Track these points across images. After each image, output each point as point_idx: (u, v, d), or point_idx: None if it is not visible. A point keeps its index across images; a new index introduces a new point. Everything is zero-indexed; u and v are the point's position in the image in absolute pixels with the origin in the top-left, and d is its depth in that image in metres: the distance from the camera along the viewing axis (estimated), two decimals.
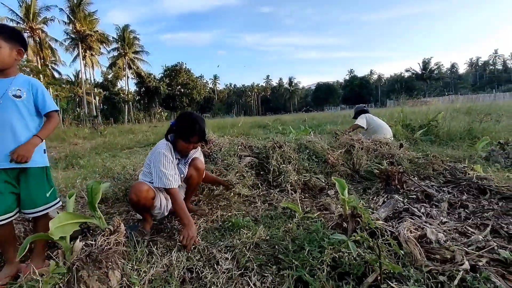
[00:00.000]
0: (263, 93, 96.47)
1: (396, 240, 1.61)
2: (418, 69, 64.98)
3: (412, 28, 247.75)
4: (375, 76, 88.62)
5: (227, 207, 2.65)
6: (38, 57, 32.63)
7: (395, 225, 1.91)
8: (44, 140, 1.70)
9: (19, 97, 1.56)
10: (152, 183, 2.10)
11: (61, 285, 1.39)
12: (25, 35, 31.60)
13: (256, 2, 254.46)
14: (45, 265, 1.70)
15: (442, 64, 68.16)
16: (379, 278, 1.35)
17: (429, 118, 6.24)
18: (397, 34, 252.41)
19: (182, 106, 49.08)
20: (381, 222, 1.89)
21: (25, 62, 25.99)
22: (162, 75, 52.23)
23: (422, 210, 2.24)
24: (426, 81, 61.03)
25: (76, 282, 1.37)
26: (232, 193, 2.87)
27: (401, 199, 2.44)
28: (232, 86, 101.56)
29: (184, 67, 52.75)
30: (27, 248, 1.50)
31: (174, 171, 2.10)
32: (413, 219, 2.02)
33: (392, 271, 1.38)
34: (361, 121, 5.09)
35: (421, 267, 1.45)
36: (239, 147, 3.56)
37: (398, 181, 2.75)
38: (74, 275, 1.38)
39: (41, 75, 25.37)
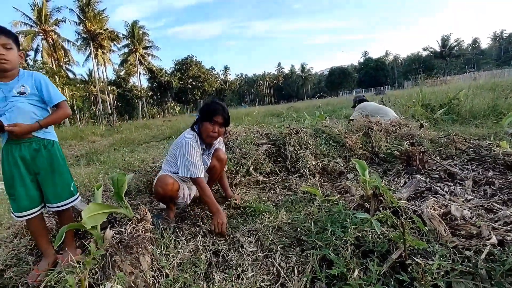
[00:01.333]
0: (275, 81, 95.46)
1: (420, 218, 1.60)
2: (436, 47, 62.29)
3: (429, 3, 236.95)
4: (391, 57, 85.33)
5: (246, 194, 2.69)
6: (52, 59, 33.39)
7: (418, 204, 1.89)
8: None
9: (24, 93, 1.59)
10: (176, 173, 2.16)
11: (97, 270, 1.48)
12: (39, 38, 32.64)
13: None
14: (78, 253, 1.81)
15: (463, 40, 64.75)
16: (403, 254, 1.35)
17: (449, 97, 6.02)
18: (413, 11, 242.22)
19: (195, 99, 49.42)
20: (404, 201, 1.88)
21: (41, 65, 26.68)
22: (173, 69, 52.59)
23: (446, 188, 2.20)
24: (446, 59, 58.47)
25: (111, 267, 1.45)
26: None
27: (423, 179, 2.40)
28: (243, 76, 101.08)
29: (194, 59, 52.89)
30: (63, 237, 1.59)
31: (200, 161, 2.14)
32: (436, 198, 1.99)
33: (416, 248, 1.38)
34: (354, 114, 5.31)
35: (446, 243, 1.44)
36: (256, 135, 3.58)
37: (420, 161, 2.70)
38: (108, 260, 1.46)
39: (56, 76, 26.02)
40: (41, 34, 32.93)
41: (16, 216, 1.69)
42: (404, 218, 1.52)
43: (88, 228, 1.68)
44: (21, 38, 32.13)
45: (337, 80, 72.54)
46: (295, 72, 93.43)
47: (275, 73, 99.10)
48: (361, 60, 79.19)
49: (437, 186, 2.24)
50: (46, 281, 1.46)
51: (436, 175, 2.53)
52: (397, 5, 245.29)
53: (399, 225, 1.34)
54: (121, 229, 1.72)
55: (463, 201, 1.92)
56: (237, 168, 3.05)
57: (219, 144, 2.42)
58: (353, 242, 1.47)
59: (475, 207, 1.83)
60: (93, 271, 1.48)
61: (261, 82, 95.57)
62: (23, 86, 1.61)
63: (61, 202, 1.76)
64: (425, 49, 65.15)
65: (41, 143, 1.68)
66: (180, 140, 2.19)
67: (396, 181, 2.60)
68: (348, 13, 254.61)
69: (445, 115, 5.54)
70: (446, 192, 2.14)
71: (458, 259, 1.31)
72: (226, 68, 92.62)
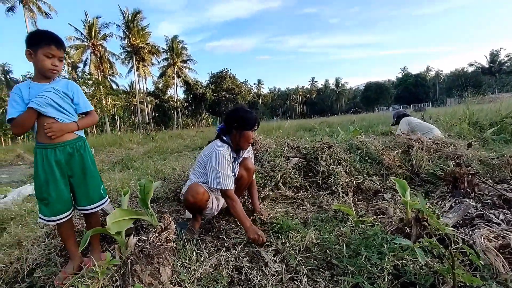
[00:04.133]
0: (308, 95, 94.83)
1: (471, 250, 1.39)
2: (484, 62, 58.16)
3: (477, 17, 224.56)
4: (432, 73, 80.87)
5: (273, 209, 2.58)
6: (98, 71, 36.22)
7: (468, 233, 1.67)
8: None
9: (58, 91, 1.64)
10: (205, 183, 2.12)
11: (117, 277, 1.45)
12: (88, 51, 35.64)
13: (299, 3, 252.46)
14: (102, 258, 1.80)
15: None
16: None
17: (502, 115, 5.50)
18: (458, 25, 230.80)
19: None
20: (451, 228, 1.66)
21: (89, 76, 28.94)
22: (208, 82, 54.40)
23: (501, 216, 1.92)
24: (495, 76, 54.51)
25: (131, 276, 1.41)
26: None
27: (473, 204, 2.14)
28: (276, 89, 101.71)
29: (229, 73, 54.38)
30: (87, 241, 1.59)
31: (231, 172, 2.10)
32: (490, 227, 1.75)
33: (468, 284, 1.19)
34: (403, 126, 5.06)
35: (506, 282, 1.22)
36: (286, 148, 3.47)
37: (468, 184, 2.42)
38: (128, 268, 1.42)
39: (101, 87, 28.01)
40: (90, 48, 35.92)
41: (47, 220, 1.69)
42: (453, 248, 1.32)
43: (113, 234, 1.68)
44: (73, 51, 35.33)
45: (373, 95, 70.24)
46: (329, 87, 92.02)
47: (309, 87, 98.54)
48: (400, 76, 76.21)
49: (491, 213, 1.97)
50: (68, 285, 1.45)
51: (489, 201, 2.25)
52: (441, 19, 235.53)
53: (448, 256, 1.16)
54: (144, 237, 1.69)
55: None
56: (265, 181, 2.95)
57: (247, 152, 2.36)
58: (391, 271, 1.30)
59: None
60: (113, 278, 1.45)
61: (293, 96, 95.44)
62: (58, 89, 1.67)
63: (92, 204, 1.77)
64: (471, 65, 61.06)
65: (74, 147, 1.71)
66: (210, 150, 2.13)
67: (440, 204, 2.34)
68: (386, 28, 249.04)
69: (496, 134, 5.05)
70: (502, 220, 1.87)
71: None
72: (259, 82, 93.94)
